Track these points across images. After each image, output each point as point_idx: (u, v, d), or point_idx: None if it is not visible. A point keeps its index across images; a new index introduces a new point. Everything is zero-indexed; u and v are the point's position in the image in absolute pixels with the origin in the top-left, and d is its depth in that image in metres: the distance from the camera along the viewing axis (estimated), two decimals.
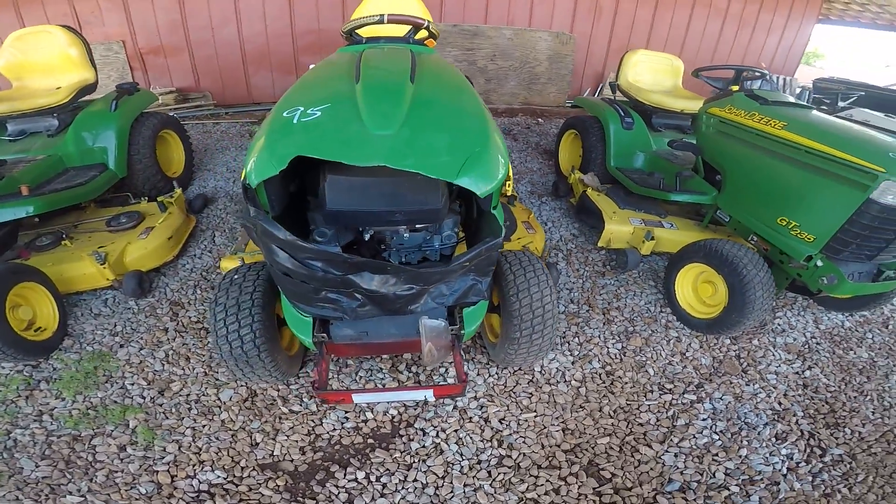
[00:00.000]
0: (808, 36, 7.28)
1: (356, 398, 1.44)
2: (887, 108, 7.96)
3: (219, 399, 1.81)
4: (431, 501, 1.49)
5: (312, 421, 1.74)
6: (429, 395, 1.42)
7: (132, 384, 1.85)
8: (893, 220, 1.86)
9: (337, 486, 1.53)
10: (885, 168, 1.80)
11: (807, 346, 2.33)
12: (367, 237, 1.44)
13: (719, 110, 2.67)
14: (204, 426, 1.70)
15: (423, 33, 2.08)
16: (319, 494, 1.50)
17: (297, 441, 1.67)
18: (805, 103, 2.54)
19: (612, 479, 1.60)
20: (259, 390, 1.84)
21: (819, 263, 2.05)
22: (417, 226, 1.41)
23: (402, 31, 2.14)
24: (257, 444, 1.65)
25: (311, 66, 3.11)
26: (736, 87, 2.71)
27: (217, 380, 1.88)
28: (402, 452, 1.64)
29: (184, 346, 2.05)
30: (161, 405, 1.77)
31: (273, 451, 1.63)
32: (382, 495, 1.50)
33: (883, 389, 2.11)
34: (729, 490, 1.60)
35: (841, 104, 5.64)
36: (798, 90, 6.87)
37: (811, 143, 2.08)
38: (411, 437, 1.70)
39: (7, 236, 2.27)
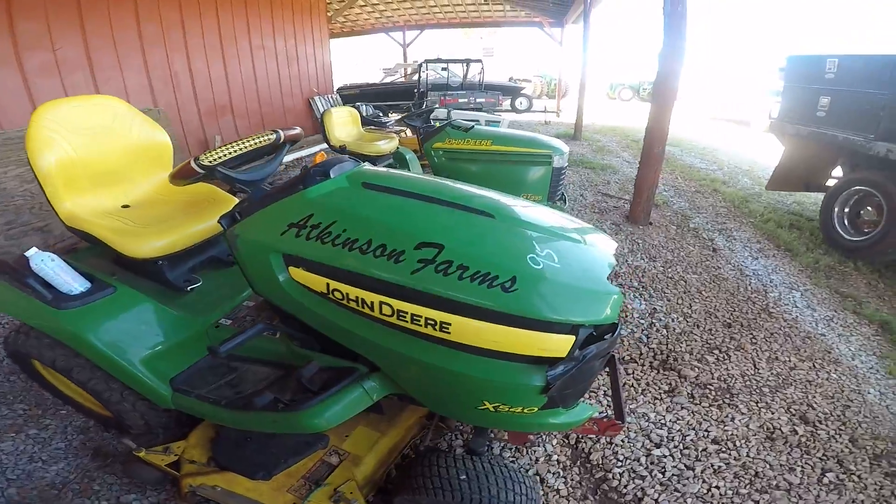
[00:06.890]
0: (330, 55, 9.49)
1: None
2: (382, 97, 11.79)
3: None
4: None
5: None
6: None
7: None
8: (562, 173, 3.59)
9: None
10: (551, 151, 3.44)
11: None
12: None
13: (441, 143, 3.78)
14: None
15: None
16: None
17: None
18: (476, 123, 4.09)
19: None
20: None
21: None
22: None
23: None
24: None
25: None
26: (438, 124, 3.93)
27: None
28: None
29: None
30: None
31: None
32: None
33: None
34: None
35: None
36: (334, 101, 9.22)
37: (514, 149, 3.55)
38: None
39: None
